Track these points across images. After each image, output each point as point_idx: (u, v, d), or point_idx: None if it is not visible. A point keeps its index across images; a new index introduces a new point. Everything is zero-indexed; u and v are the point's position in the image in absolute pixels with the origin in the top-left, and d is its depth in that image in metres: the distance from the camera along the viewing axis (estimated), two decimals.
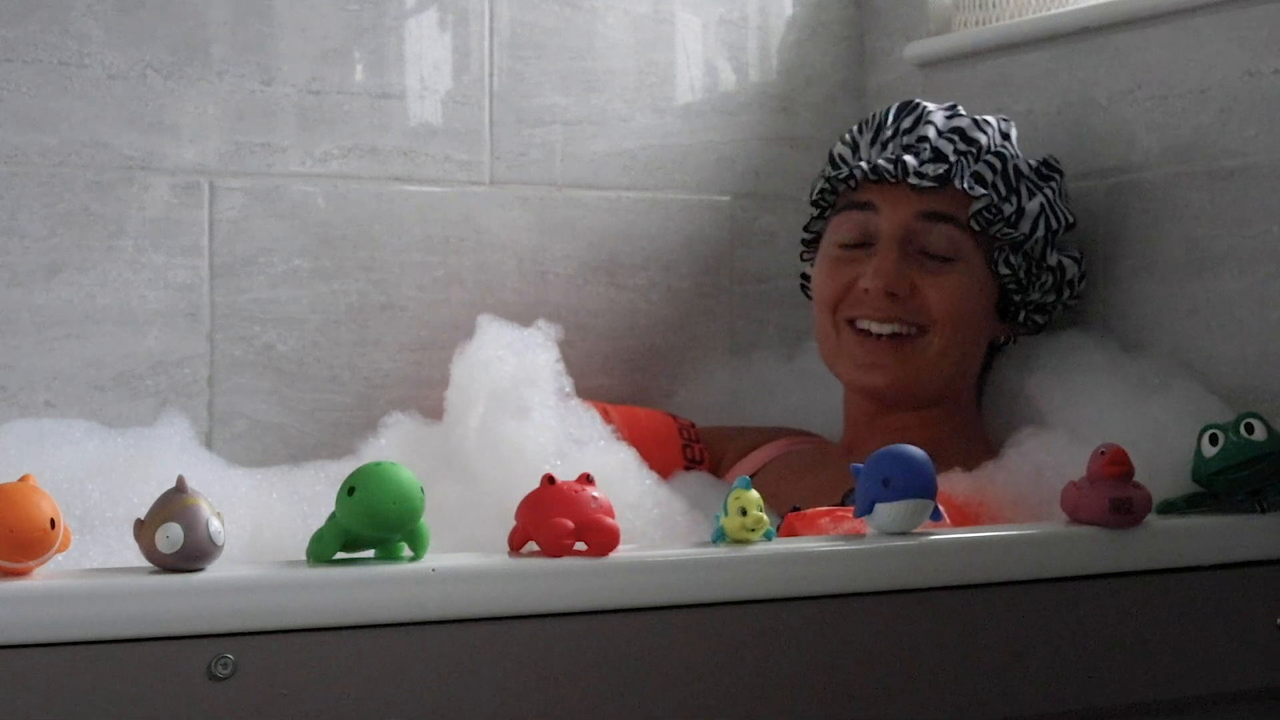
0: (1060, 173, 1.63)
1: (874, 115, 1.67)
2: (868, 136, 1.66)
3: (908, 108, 1.64)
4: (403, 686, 1.04)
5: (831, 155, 1.68)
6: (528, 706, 1.07)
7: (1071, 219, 1.62)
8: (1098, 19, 1.70)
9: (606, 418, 1.68)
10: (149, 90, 1.66)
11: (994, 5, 1.88)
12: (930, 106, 1.64)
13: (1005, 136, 1.63)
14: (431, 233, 1.78)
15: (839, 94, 1.99)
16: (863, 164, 1.60)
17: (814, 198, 1.68)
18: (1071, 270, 1.62)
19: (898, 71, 1.95)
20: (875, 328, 1.58)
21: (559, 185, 1.84)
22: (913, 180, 1.57)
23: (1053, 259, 1.61)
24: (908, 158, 1.57)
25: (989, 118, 1.63)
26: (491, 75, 1.81)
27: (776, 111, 1.96)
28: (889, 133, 1.63)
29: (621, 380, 1.87)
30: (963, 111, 1.64)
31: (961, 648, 1.20)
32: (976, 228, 1.58)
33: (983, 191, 1.57)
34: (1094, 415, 1.52)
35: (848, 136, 1.68)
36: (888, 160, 1.58)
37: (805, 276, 1.73)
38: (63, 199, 1.64)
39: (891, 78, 1.96)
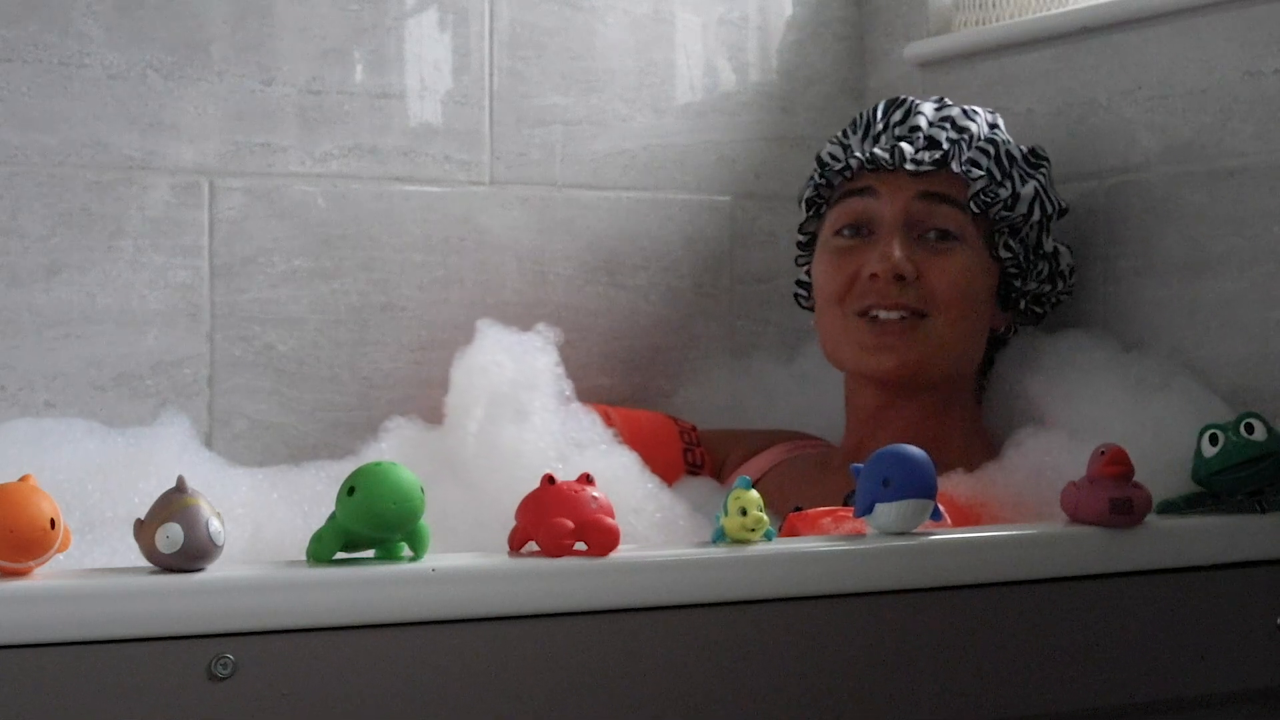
0: (1047, 160, 1.65)
1: (861, 114, 1.68)
2: (858, 136, 1.66)
3: (896, 103, 1.65)
4: (403, 686, 1.04)
5: (820, 158, 1.67)
6: (528, 706, 1.07)
7: (1064, 205, 1.63)
8: (1098, 19, 1.70)
9: (608, 420, 1.68)
10: (149, 90, 1.66)
11: (994, 5, 1.88)
12: (918, 100, 1.65)
13: (994, 126, 1.64)
14: (431, 233, 1.78)
15: (839, 94, 1.99)
16: (858, 154, 1.61)
17: (807, 197, 1.68)
18: (1066, 259, 1.64)
19: (898, 71, 1.95)
20: (884, 314, 1.57)
21: (559, 185, 1.84)
22: (909, 166, 1.58)
23: (1048, 245, 1.62)
24: (904, 145, 1.59)
25: (977, 108, 1.64)
26: (491, 75, 1.81)
27: (776, 111, 1.96)
28: (879, 127, 1.64)
29: (621, 381, 1.87)
30: (950, 102, 1.65)
31: (961, 648, 1.20)
32: (976, 210, 1.58)
33: (980, 173, 1.58)
34: (1094, 415, 1.52)
35: (836, 138, 1.68)
36: (883, 149, 1.59)
37: (800, 284, 1.72)
38: (63, 199, 1.64)
39: (891, 78, 1.96)
